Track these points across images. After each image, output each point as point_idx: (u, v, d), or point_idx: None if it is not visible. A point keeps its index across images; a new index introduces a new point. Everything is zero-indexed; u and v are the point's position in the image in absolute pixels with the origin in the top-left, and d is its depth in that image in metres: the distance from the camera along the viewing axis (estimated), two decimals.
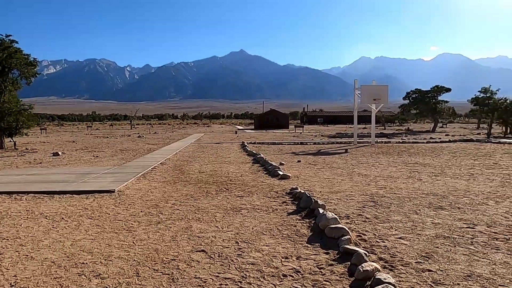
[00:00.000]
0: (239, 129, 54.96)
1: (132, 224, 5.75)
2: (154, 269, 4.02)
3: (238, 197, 7.59)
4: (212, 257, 4.33)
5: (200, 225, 5.62)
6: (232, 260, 4.23)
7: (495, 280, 3.60)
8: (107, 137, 33.22)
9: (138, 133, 40.79)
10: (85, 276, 3.87)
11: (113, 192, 8.17)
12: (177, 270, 3.99)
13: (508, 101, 36.35)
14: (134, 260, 4.29)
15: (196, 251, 4.53)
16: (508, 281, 3.58)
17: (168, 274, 3.88)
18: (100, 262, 4.24)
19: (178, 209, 6.64)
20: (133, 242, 4.89)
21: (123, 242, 4.91)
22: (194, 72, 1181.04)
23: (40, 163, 14.07)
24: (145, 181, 9.79)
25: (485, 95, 38.22)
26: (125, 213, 6.43)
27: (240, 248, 4.61)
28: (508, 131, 34.10)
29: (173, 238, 5.03)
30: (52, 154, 17.21)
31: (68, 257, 4.41)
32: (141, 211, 6.53)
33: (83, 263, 4.21)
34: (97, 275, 3.88)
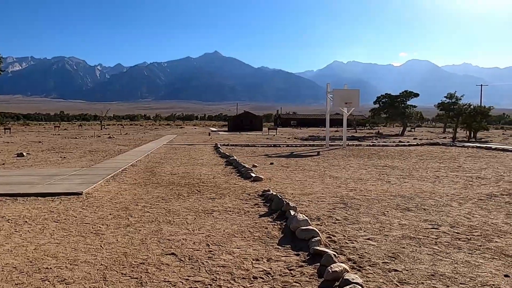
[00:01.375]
0: (212, 131, 54.70)
1: (100, 227, 5.61)
2: (122, 273, 3.93)
3: (210, 199, 7.55)
4: (182, 260, 4.28)
5: (170, 228, 5.55)
6: (203, 263, 4.20)
7: (456, 278, 3.75)
8: (76, 138, 32.25)
9: (109, 134, 39.82)
10: (48, 281, 3.73)
11: (81, 194, 7.94)
12: (146, 273, 3.91)
13: (472, 106, 37.95)
14: (102, 264, 4.18)
15: (166, 254, 4.47)
16: (468, 279, 3.73)
17: (137, 278, 3.80)
18: (65, 266, 4.10)
19: (148, 212, 6.53)
20: (101, 246, 4.77)
21: (90, 246, 4.78)
22: (168, 72, 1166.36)
23: (3, 164, 13.48)
24: (114, 183, 9.57)
25: (450, 101, 39.73)
26: (93, 216, 6.26)
27: (211, 251, 4.58)
28: (472, 135, 35.59)
29: (143, 241, 4.94)
30: (16, 155, 16.52)
31: (31, 262, 4.24)
32: (110, 214, 6.37)
33: (47, 268, 4.06)
34: (61, 280, 3.75)
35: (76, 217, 6.20)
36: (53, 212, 6.53)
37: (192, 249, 4.66)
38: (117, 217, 6.20)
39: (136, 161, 14.29)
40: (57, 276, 3.85)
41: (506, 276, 3.81)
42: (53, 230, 5.45)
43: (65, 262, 4.22)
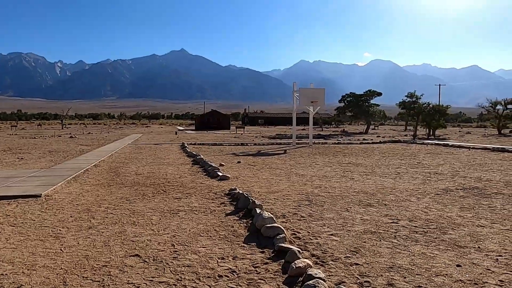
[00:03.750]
0: (179, 130, 54.00)
1: (60, 230, 5.42)
2: (83, 277, 3.82)
3: (176, 199, 7.47)
4: (146, 261, 4.23)
5: (135, 229, 5.45)
6: (167, 263, 4.16)
7: (413, 270, 3.93)
8: (35, 138, 30.84)
9: (70, 134, 38.39)
10: None
11: (40, 196, 7.63)
12: (109, 276, 3.83)
13: (430, 105, 39.66)
14: (61, 268, 4.04)
15: (130, 256, 4.39)
16: (424, 270, 3.92)
17: (99, 281, 3.71)
18: (22, 272, 3.94)
19: (111, 213, 6.38)
20: (61, 250, 4.61)
21: (50, 250, 4.61)
22: (133, 70, 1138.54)
23: None
24: (76, 184, 9.26)
25: (411, 100, 41.33)
26: (53, 219, 6.04)
27: (176, 251, 4.55)
28: (431, 133, 37.19)
29: (105, 244, 4.83)
30: None
31: None
32: (71, 216, 6.17)
33: (2, 274, 3.89)
34: (18, 287, 3.60)
35: (35, 220, 5.96)
36: (9, 215, 6.23)
37: (157, 249, 4.60)
38: (79, 219, 6.01)
39: (99, 161, 13.88)
40: (13, 282, 3.70)
41: (458, 266, 4.04)
42: (9, 235, 5.21)
43: (22, 268, 4.05)
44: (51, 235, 5.19)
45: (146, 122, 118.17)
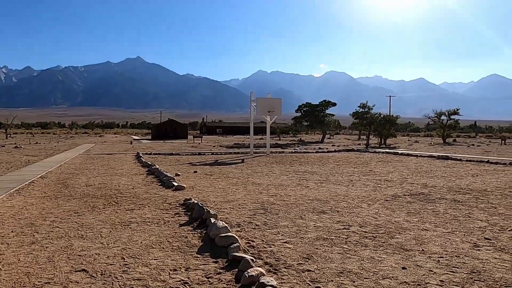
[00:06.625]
0: (135, 139, 52.52)
1: None
2: None
3: (128, 211, 7.23)
4: (93, 276, 4.04)
5: (82, 243, 5.20)
6: (116, 277, 4.00)
7: (362, 274, 4.06)
8: None
9: (15, 143, 36.11)
10: None
11: None
12: None
13: (382, 115, 41.52)
14: None
15: (76, 271, 4.18)
16: (372, 274, 4.07)
17: None
18: None
19: (58, 227, 6.05)
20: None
21: None
22: (85, 77, 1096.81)
23: None
24: (19, 197, 8.70)
25: (363, 110, 43.01)
26: None
27: (126, 264, 4.39)
28: (382, 141, 38.87)
29: (50, 259, 4.56)
30: None
31: None
32: (12, 231, 5.78)
33: None
34: None
35: None
36: None
37: (106, 263, 4.42)
38: (21, 234, 5.65)
39: (46, 173, 13.16)
40: None
41: (403, 268, 4.23)
42: None
43: None
44: None
45: (100, 131, 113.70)
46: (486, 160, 18.52)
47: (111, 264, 4.39)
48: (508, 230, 5.84)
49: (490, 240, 5.35)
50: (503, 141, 42.94)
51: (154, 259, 4.56)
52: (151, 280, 3.94)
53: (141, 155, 20.71)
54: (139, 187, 10.12)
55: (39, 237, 5.48)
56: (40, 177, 12.10)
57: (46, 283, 3.87)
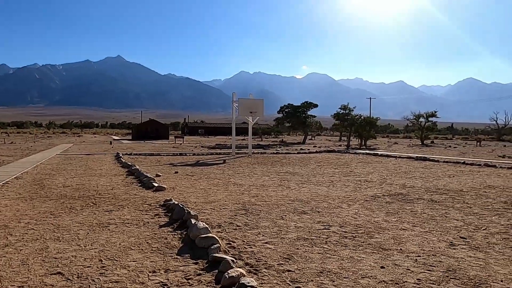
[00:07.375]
0: (114, 140, 51.68)
1: None
2: None
3: (107, 212, 7.10)
4: (69, 279, 3.94)
5: (58, 245, 5.07)
6: (93, 280, 3.91)
7: (341, 273, 4.10)
8: None
9: None
10: None
11: None
12: None
13: (362, 117, 42.12)
14: None
15: (51, 274, 4.06)
16: (351, 273, 4.11)
17: None
18: None
19: (33, 229, 5.88)
20: None
21: None
22: (64, 76, 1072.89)
23: None
24: None
25: (344, 111, 43.54)
26: None
27: (103, 266, 4.30)
28: (363, 143, 39.42)
29: (24, 262, 4.43)
30: None
31: None
32: None
33: None
34: None
35: None
36: None
37: (82, 266, 4.31)
38: None
39: (21, 173, 12.79)
40: None
41: (382, 267, 4.28)
42: None
43: None
44: None
45: (78, 131, 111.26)
46: (462, 161, 19.02)
47: (88, 267, 4.29)
48: None
49: (465, 239, 5.49)
50: (478, 143, 44.21)
51: (133, 261, 4.48)
52: (130, 282, 3.87)
53: (121, 155, 20.38)
54: (119, 188, 9.95)
55: (13, 240, 5.31)
56: (14, 177, 11.76)
57: (20, 287, 3.75)
